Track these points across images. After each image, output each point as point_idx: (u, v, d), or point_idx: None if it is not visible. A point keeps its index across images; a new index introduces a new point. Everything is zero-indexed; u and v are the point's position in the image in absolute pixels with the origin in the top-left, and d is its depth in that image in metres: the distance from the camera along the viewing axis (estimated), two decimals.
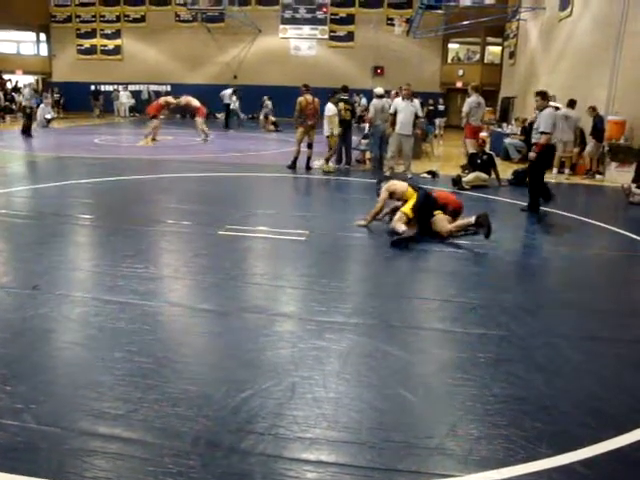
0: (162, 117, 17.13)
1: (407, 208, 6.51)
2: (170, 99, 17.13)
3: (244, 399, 2.93)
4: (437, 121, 21.74)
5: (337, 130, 12.03)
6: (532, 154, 8.17)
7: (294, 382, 3.12)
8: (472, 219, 6.46)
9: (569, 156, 12.65)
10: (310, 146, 11.96)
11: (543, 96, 8.26)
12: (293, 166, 11.94)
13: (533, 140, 8.32)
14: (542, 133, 8.00)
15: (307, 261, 5.63)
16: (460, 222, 6.68)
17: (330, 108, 11.98)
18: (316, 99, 11.89)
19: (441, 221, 6.56)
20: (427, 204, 6.60)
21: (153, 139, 16.40)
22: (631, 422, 2.85)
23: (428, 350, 3.75)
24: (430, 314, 4.39)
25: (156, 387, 3.02)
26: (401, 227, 6.32)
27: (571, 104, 12.47)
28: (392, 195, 6.85)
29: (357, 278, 5.34)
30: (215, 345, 3.68)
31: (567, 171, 12.57)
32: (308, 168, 11.98)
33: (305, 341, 3.67)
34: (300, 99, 11.75)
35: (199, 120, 17.05)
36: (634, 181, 10.33)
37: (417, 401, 2.99)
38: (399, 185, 6.84)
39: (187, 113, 16.95)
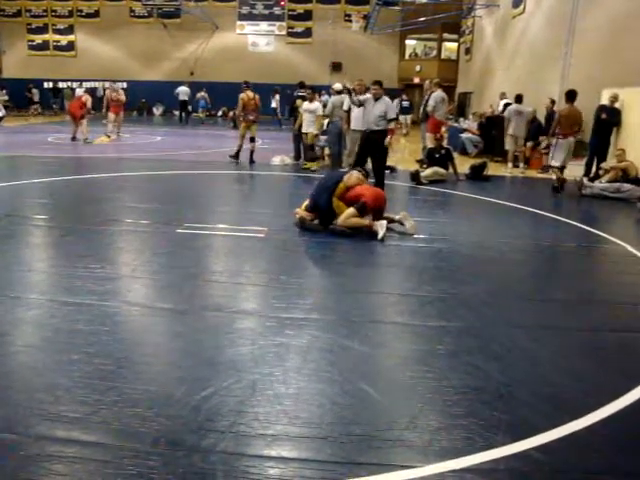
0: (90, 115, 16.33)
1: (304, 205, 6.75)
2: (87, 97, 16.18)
3: (204, 397, 2.91)
4: (402, 118, 20.58)
5: (313, 128, 11.84)
6: (388, 139, 8.84)
7: (255, 379, 3.11)
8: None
9: (522, 150, 12.95)
10: (252, 140, 12.21)
11: (380, 85, 9.13)
12: (236, 157, 12.28)
13: (375, 127, 8.88)
14: (390, 120, 8.87)
15: (266, 258, 5.62)
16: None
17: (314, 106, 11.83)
18: (257, 95, 12.14)
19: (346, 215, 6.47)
20: (314, 207, 6.64)
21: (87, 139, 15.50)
22: (584, 407, 2.94)
23: (388, 344, 3.79)
24: (389, 308, 4.44)
25: (115, 388, 2.98)
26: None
27: (518, 99, 12.77)
28: None
29: (316, 274, 5.36)
30: (175, 344, 3.64)
31: (522, 165, 12.85)
32: (252, 162, 12.20)
33: (265, 338, 3.67)
34: (242, 95, 12.01)
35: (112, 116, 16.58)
36: (586, 174, 10.63)
37: (377, 394, 3.02)
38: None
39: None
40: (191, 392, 2.95)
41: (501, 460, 2.51)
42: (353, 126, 11.01)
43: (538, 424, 2.78)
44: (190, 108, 27.12)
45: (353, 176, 6.66)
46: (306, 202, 6.74)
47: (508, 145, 12.85)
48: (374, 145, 8.82)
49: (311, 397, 2.98)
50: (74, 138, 15.58)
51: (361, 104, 9.00)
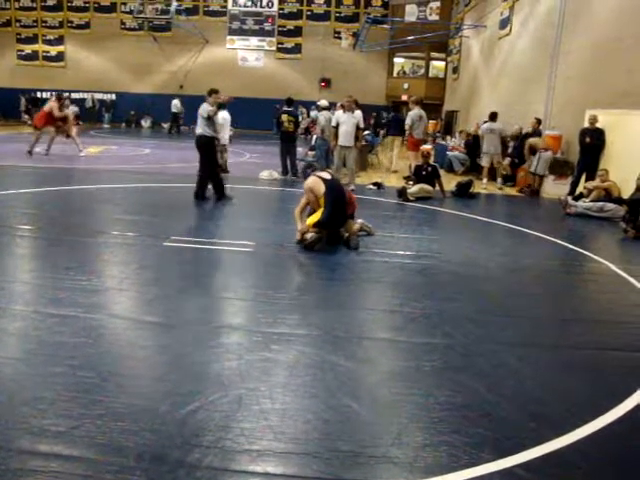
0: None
1: (311, 221, 6.55)
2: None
3: (190, 412, 2.89)
4: (382, 133, 20.96)
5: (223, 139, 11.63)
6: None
7: (241, 394, 3.11)
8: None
9: (497, 167, 13.15)
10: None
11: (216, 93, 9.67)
12: None
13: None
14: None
15: (253, 272, 5.62)
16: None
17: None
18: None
19: (351, 225, 6.90)
20: (332, 222, 6.58)
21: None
22: (568, 424, 2.96)
23: (374, 360, 3.80)
24: (376, 324, 4.45)
25: (99, 402, 2.95)
26: (307, 235, 6.52)
27: (492, 117, 13.02)
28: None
29: (303, 289, 5.36)
30: (160, 358, 3.62)
31: (499, 180, 13.01)
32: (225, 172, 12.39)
33: (252, 353, 3.66)
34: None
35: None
36: (570, 194, 10.77)
37: (363, 411, 3.02)
38: (317, 188, 6.65)
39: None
40: (176, 406, 2.94)
41: (485, 477, 2.53)
42: (340, 142, 11.08)
43: (522, 441, 2.80)
44: (182, 121, 27.28)
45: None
46: (312, 218, 6.58)
47: (483, 162, 13.11)
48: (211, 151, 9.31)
49: (297, 413, 2.97)
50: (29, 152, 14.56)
51: (210, 116, 9.13)
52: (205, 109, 9.10)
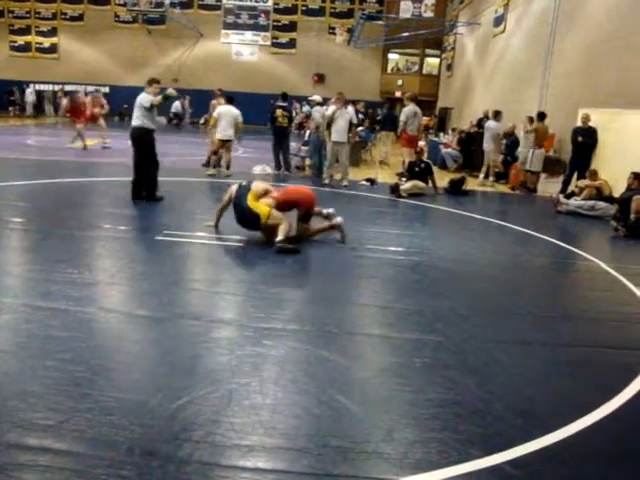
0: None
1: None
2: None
3: (180, 406, 2.89)
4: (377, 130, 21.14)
5: (222, 135, 11.57)
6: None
7: (231, 389, 3.10)
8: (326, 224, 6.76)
9: (493, 165, 13.22)
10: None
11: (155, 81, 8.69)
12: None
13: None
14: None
15: (245, 267, 5.62)
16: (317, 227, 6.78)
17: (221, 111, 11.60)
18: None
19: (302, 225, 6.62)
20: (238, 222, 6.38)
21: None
22: (557, 422, 2.98)
23: (365, 356, 3.80)
24: (367, 320, 4.46)
25: (89, 396, 2.94)
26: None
27: (494, 115, 13.13)
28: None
29: (295, 285, 5.35)
30: (151, 352, 3.61)
31: (491, 178, 13.08)
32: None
33: (243, 348, 3.66)
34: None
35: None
36: (562, 192, 10.81)
37: (354, 406, 3.02)
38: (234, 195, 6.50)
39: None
40: (167, 401, 2.93)
41: (474, 473, 2.53)
42: (334, 138, 11.08)
43: (512, 438, 2.81)
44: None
45: (260, 183, 6.63)
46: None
47: (485, 158, 13.24)
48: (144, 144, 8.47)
49: (287, 408, 2.97)
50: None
51: (153, 106, 8.47)
52: (147, 99, 8.27)
